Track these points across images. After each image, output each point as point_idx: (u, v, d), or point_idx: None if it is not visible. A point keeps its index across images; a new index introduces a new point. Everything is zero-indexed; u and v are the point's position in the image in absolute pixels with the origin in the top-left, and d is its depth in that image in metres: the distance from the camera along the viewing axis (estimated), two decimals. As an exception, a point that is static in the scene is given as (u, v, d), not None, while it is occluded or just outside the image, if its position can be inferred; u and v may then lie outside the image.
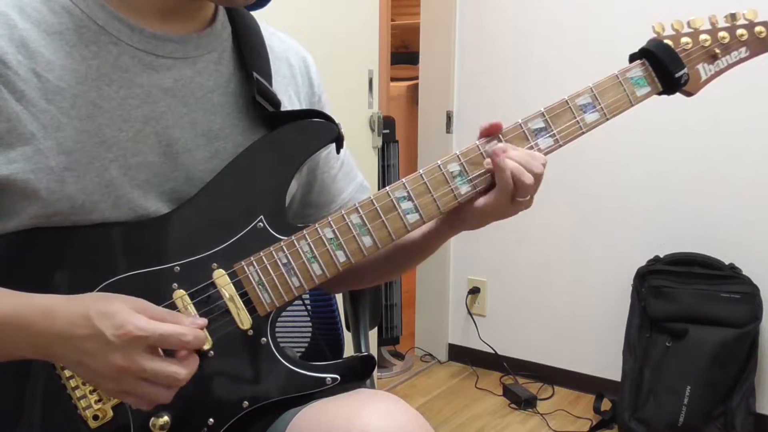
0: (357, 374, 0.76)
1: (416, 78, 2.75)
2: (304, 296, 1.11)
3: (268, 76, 0.80)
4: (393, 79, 3.59)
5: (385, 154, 2.38)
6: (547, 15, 2.26)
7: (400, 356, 2.62)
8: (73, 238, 0.70)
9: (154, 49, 0.72)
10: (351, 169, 0.94)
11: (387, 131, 2.21)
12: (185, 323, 0.66)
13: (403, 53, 4.05)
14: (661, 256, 2.09)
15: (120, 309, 0.63)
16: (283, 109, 0.80)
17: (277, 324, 1.12)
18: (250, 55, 0.79)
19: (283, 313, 1.12)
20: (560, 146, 0.79)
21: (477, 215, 0.80)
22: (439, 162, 0.76)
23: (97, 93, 0.69)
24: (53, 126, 0.67)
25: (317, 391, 0.74)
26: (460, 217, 0.81)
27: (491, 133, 0.78)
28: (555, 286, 2.36)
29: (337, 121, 0.81)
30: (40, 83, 0.67)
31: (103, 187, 0.70)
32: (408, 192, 0.76)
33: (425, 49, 2.53)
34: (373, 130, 2.05)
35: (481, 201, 0.79)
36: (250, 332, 0.73)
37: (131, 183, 0.71)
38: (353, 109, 2.00)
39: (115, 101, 0.70)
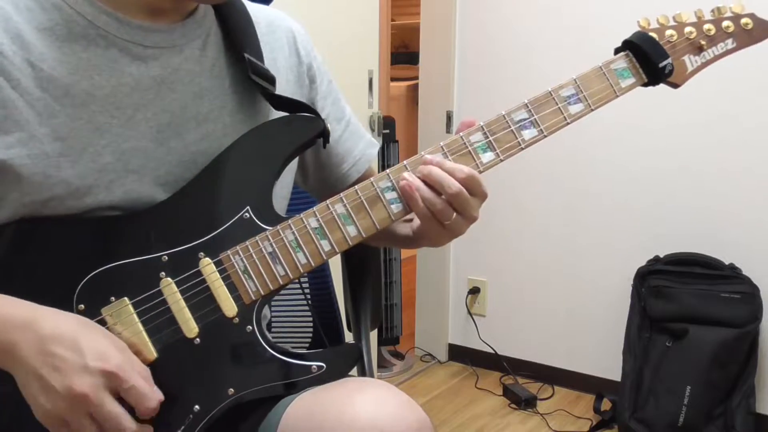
0: (343, 363, 0.76)
1: (416, 78, 2.76)
2: (307, 296, 1.13)
3: (259, 54, 0.82)
4: (393, 79, 3.60)
5: (385, 154, 2.39)
6: (547, 15, 2.26)
7: (400, 356, 2.62)
8: (64, 228, 0.72)
9: (142, 40, 0.74)
10: (357, 128, 0.97)
11: (387, 131, 2.22)
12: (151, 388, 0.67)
13: (403, 53, 4.07)
14: (661, 256, 2.09)
15: (108, 346, 0.65)
16: (278, 85, 0.82)
17: (278, 323, 1.13)
18: (238, 36, 0.81)
19: (285, 313, 1.14)
20: (545, 137, 0.80)
21: (417, 238, 0.82)
22: (422, 153, 0.77)
23: (89, 82, 0.71)
24: (48, 113, 0.69)
25: (303, 378, 0.74)
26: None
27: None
28: (555, 286, 2.35)
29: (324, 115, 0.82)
30: (34, 72, 0.69)
31: (97, 172, 0.72)
32: (392, 182, 0.76)
33: (425, 49, 2.54)
34: (373, 130, 2.06)
35: (415, 226, 0.80)
36: (236, 320, 0.74)
37: (125, 168, 0.73)
38: (353, 110, 2.00)
39: (106, 89, 0.72)
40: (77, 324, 0.66)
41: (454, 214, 0.75)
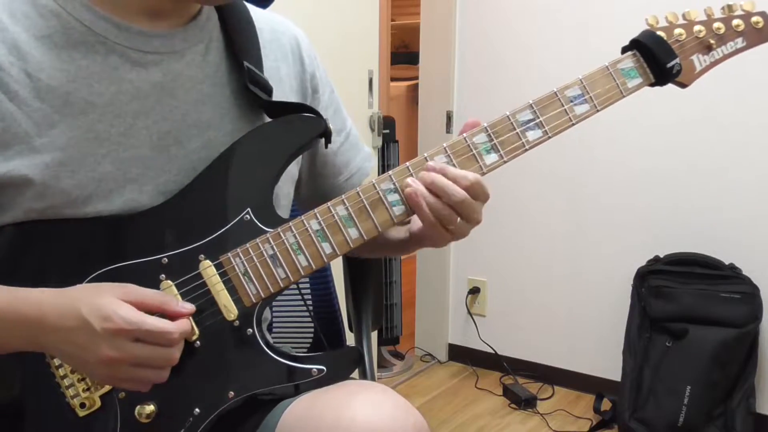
0: (343, 366, 0.76)
1: (416, 78, 2.75)
2: (306, 299, 1.12)
3: (259, 62, 0.81)
4: (393, 79, 3.61)
5: (385, 154, 2.38)
6: (547, 15, 2.25)
7: (400, 356, 2.62)
8: (64, 230, 0.71)
9: (142, 45, 0.73)
10: (357, 141, 0.96)
11: (387, 131, 2.21)
12: (173, 306, 0.68)
13: (403, 53, 4.07)
14: (661, 256, 2.08)
15: (109, 301, 0.65)
16: (275, 94, 0.81)
17: (279, 324, 1.12)
18: (239, 42, 0.80)
19: (286, 315, 1.13)
20: (549, 138, 0.79)
21: (418, 241, 0.81)
22: (425, 154, 0.76)
23: (88, 90, 0.70)
24: (47, 124, 0.69)
25: (303, 382, 0.74)
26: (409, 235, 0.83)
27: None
28: (555, 286, 2.35)
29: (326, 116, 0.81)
30: (32, 83, 0.68)
31: (97, 182, 0.71)
32: (394, 184, 0.75)
33: (425, 49, 2.53)
34: (373, 130, 2.05)
35: (415, 228, 0.80)
36: (237, 323, 0.73)
37: (124, 177, 0.72)
38: (353, 109, 1.98)
39: (105, 97, 0.71)
40: (75, 295, 0.66)
41: (458, 219, 0.74)
